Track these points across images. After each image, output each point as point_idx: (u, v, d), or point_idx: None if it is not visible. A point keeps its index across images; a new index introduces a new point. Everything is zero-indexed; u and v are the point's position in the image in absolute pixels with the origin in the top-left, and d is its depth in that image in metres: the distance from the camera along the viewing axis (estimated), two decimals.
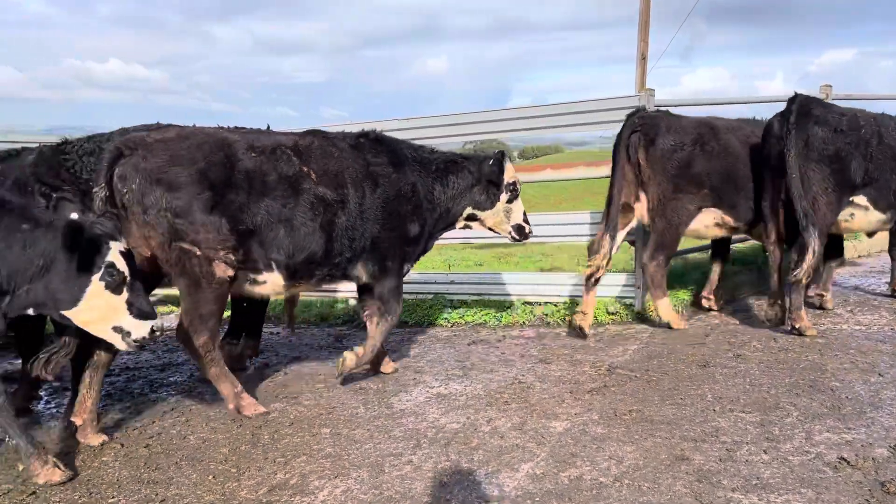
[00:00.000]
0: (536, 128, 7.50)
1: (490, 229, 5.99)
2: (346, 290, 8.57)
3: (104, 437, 4.53)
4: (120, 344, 4.02)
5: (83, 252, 3.76)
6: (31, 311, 3.87)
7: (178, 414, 5.10)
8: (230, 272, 4.70)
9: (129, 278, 3.92)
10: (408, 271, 5.76)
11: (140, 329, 3.99)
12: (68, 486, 3.94)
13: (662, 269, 6.57)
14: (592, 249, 6.60)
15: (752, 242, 9.43)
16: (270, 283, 5.02)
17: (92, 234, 3.82)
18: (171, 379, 6.09)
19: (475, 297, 8.05)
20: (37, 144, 5.56)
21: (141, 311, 3.99)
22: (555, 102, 7.96)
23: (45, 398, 5.66)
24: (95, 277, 3.80)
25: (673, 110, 7.81)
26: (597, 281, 6.61)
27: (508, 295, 7.88)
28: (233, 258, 4.66)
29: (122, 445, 4.52)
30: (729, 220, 6.68)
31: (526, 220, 5.91)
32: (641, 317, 7.20)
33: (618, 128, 7.13)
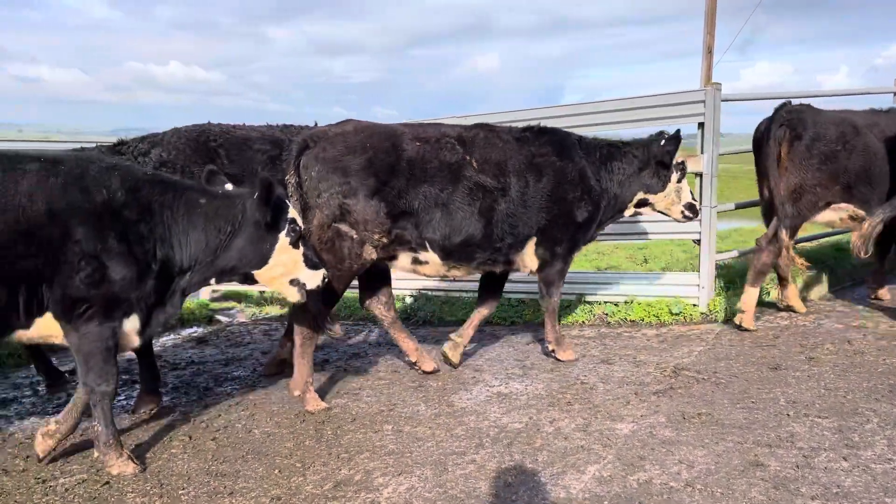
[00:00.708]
0: (597, 123, 7.34)
1: (660, 212, 6.05)
2: (403, 288, 8.62)
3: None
4: (294, 296, 4.42)
5: (273, 214, 4.11)
6: (213, 281, 4.33)
7: (242, 408, 5.18)
8: (374, 255, 5.11)
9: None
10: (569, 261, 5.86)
11: (314, 279, 4.41)
12: (140, 476, 4.04)
13: (774, 258, 6.42)
14: (766, 245, 6.41)
15: (819, 242, 9.09)
16: (431, 263, 5.35)
17: (278, 196, 4.15)
18: (234, 373, 6.20)
19: (534, 296, 7.95)
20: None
21: (313, 263, 4.41)
22: (617, 98, 7.77)
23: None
24: (282, 234, 4.20)
25: (738, 105, 7.58)
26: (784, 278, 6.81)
27: (567, 294, 7.75)
28: (384, 241, 5.07)
29: (191, 438, 4.62)
30: (861, 214, 6.49)
31: (694, 198, 5.98)
32: (706, 317, 7.00)
33: (682, 123, 6.97)
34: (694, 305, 7.13)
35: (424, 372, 5.74)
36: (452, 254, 5.26)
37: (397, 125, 5.45)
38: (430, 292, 8.63)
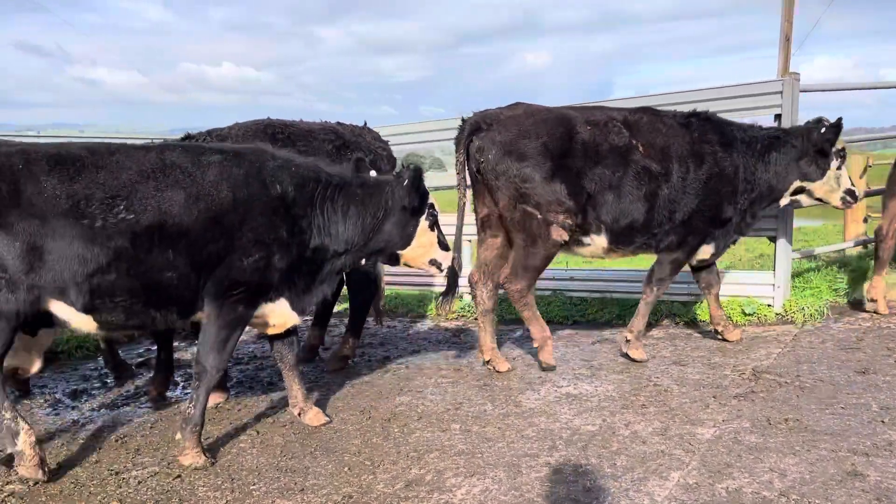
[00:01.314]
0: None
1: (818, 200, 5.90)
2: (462, 286, 8.51)
3: None
4: (435, 273, 4.81)
5: (418, 199, 4.43)
6: (362, 262, 4.63)
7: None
8: (565, 236, 5.24)
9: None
10: (715, 255, 5.85)
11: (447, 259, 4.77)
12: (210, 470, 4.02)
13: None
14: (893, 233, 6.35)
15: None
16: (594, 245, 5.47)
17: (422, 183, 4.44)
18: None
19: (596, 295, 7.75)
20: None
21: (445, 244, 4.74)
22: (691, 89, 7.49)
23: (182, 384, 5.88)
24: (422, 218, 4.52)
25: (814, 96, 7.24)
26: None
27: (632, 293, 7.51)
28: (570, 222, 5.20)
29: (258, 433, 4.59)
30: None
31: (853, 184, 5.87)
32: (782, 318, 6.69)
33: (758, 115, 6.68)
34: (768, 306, 6.83)
35: (497, 371, 5.61)
36: (618, 237, 5.38)
37: (565, 108, 5.56)
38: None
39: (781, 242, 6.75)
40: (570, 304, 7.65)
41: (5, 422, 3.81)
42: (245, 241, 3.97)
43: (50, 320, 3.86)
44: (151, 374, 5.81)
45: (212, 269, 3.94)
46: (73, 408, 5.33)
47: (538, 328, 5.59)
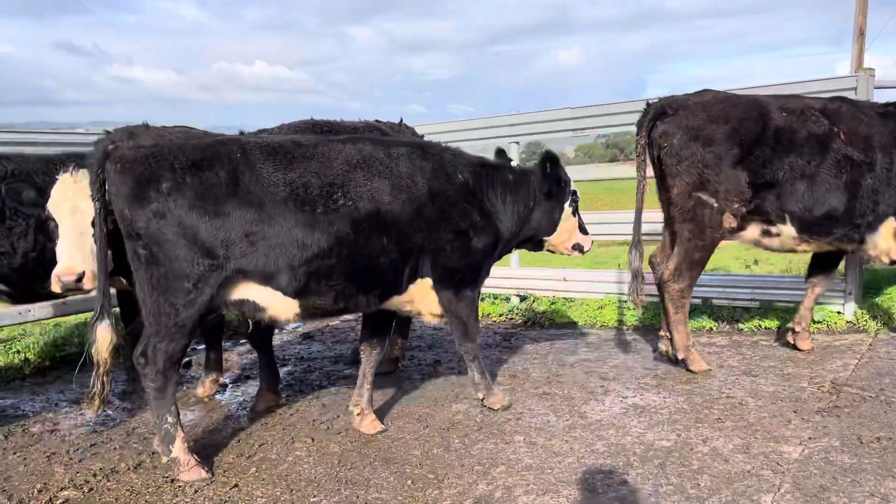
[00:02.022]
0: None
1: None
2: (506, 288, 8.30)
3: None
4: (575, 255, 5.08)
5: (563, 188, 4.81)
6: (513, 250, 5.12)
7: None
8: (734, 224, 5.14)
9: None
10: None
11: (587, 242, 5.09)
12: (267, 480, 3.87)
13: None
14: None
15: None
16: (783, 236, 5.26)
17: (564, 173, 4.77)
18: (345, 372, 6.03)
19: (653, 299, 7.45)
20: None
21: (584, 228, 5.05)
22: (758, 84, 7.16)
23: (230, 385, 5.77)
24: (566, 204, 4.84)
25: (890, 92, 6.87)
26: None
27: (694, 297, 7.20)
28: (744, 210, 5.09)
29: (313, 440, 4.44)
30: None
31: None
32: (853, 326, 6.34)
33: None
34: (839, 313, 6.48)
35: (690, 371, 5.37)
36: (811, 227, 5.16)
37: (758, 95, 5.42)
38: (539, 292, 8.27)
39: None
40: (626, 309, 7.37)
41: (166, 426, 3.85)
42: (445, 230, 4.27)
43: (238, 307, 3.92)
44: (201, 376, 5.70)
45: (414, 259, 4.20)
46: (123, 409, 5.24)
47: (684, 336, 5.40)
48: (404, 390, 5.37)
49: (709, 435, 4.15)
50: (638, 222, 5.38)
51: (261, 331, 4.99)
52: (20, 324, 6.87)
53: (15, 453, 4.42)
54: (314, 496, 3.66)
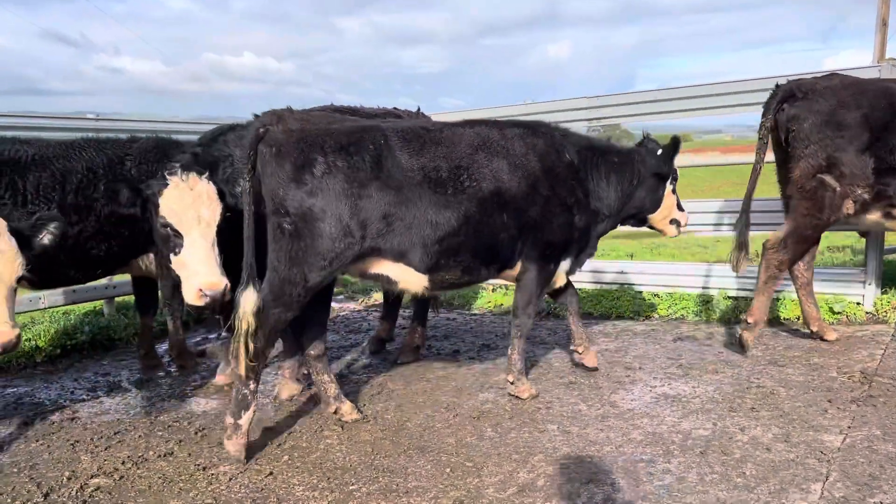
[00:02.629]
0: (746, 104, 6.73)
1: None
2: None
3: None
4: (673, 232, 5.25)
5: (668, 167, 4.99)
6: (616, 227, 5.19)
7: (386, 397, 4.91)
8: (852, 209, 5.13)
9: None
10: None
11: (684, 218, 5.25)
12: (302, 468, 3.81)
13: None
14: None
15: None
16: None
17: (669, 153, 4.95)
18: (363, 361, 5.96)
19: (668, 289, 7.44)
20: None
21: (681, 205, 5.25)
22: (778, 74, 7.02)
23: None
24: (667, 183, 5.04)
25: None
26: None
27: (708, 288, 7.20)
28: (866, 197, 5.09)
29: (343, 428, 4.37)
30: None
31: None
32: (873, 317, 6.33)
33: None
34: (857, 304, 6.47)
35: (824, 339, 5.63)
36: None
37: (887, 81, 5.41)
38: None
39: (873, 238, 6.38)
40: (641, 300, 7.34)
41: (246, 391, 3.90)
42: (554, 205, 4.45)
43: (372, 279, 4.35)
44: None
45: (529, 231, 4.41)
46: (144, 398, 5.15)
47: (763, 309, 5.44)
48: (429, 380, 5.30)
49: (745, 424, 4.12)
50: (748, 202, 5.45)
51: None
52: (30, 311, 6.76)
53: (37, 441, 4.32)
54: (352, 484, 3.60)
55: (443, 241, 4.10)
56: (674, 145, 4.95)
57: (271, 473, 3.74)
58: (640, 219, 5.19)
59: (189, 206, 4.09)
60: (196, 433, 4.37)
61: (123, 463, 3.93)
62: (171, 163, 4.34)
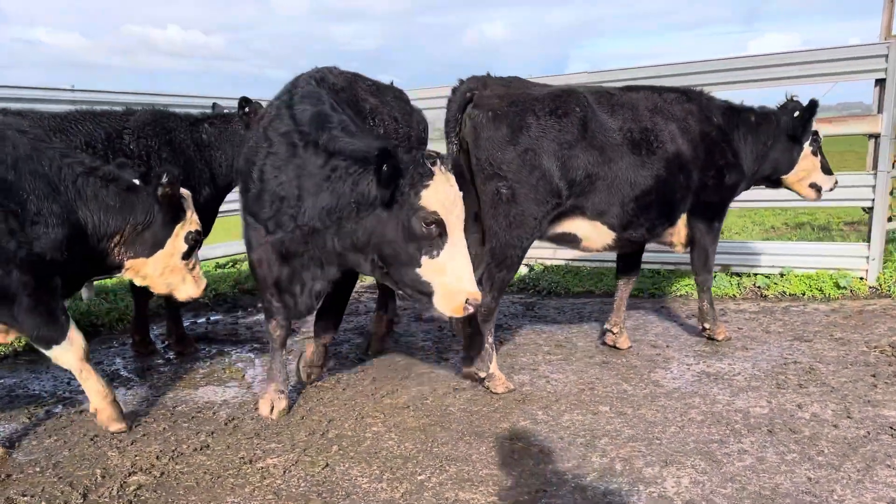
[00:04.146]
0: (764, 79, 6.71)
1: None
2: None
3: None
4: (812, 196, 5.29)
5: (804, 129, 5.01)
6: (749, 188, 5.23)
7: (416, 381, 4.69)
8: None
9: None
10: None
11: (828, 182, 5.25)
12: (357, 458, 3.57)
13: None
14: None
15: None
16: None
17: (805, 114, 4.99)
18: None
19: (669, 267, 7.42)
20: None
21: (827, 169, 5.22)
22: (785, 51, 7.06)
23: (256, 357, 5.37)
24: (805, 145, 5.08)
25: None
26: None
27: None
28: None
29: (384, 415, 4.13)
30: None
31: None
32: (876, 291, 6.44)
33: (858, 79, 6.37)
34: (861, 279, 6.58)
35: None
36: None
37: None
38: (548, 261, 8.12)
39: (878, 213, 6.48)
40: (643, 277, 7.29)
41: (486, 345, 4.34)
42: (712, 166, 4.65)
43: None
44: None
45: (695, 191, 4.63)
46: (151, 387, 4.78)
47: None
48: (450, 362, 5.10)
49: (800, 401, 4.08)
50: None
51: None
52: None
53: (51, 437, 3.94)
54: (419, 473, 3.38)
55: (638, 199, 4.34)
56: (810, 108, 4.97)
57: (327, 465, 3.49)
58: (773, 180, 5.25)
59: (453, 203, 3.36)
60: (226, 424, 4.07)
61: (158, 458, 3.61)
62: (424, 151, 3.50)
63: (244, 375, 5.00)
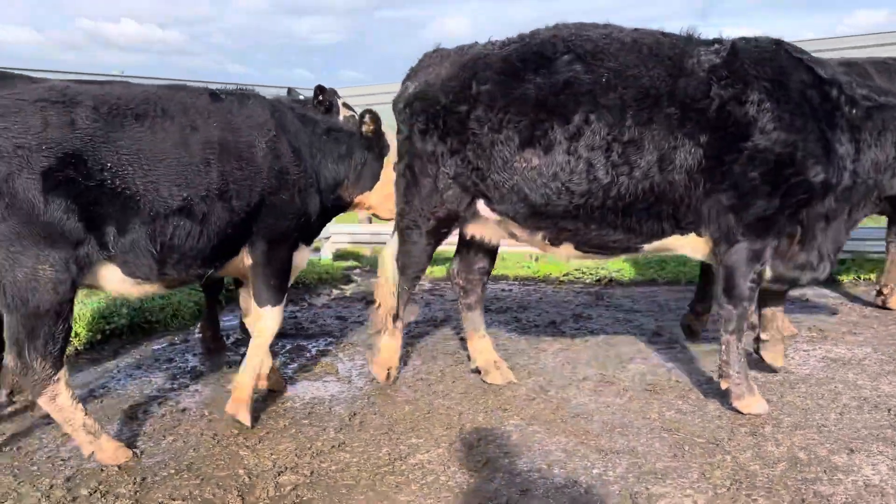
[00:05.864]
0: None
1: None
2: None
3: None
4: None
5: None
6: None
7: (525, 373, 4.46)
8: None
9: None
10: None
11: None
12: (516, 453, 3.33)
13: None
14: None
15: None
16: None
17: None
18: (433, 332, 5.46)
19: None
20: None
21: None
22: (844, 35, 6.84)
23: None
24: None
25: None
26: None
27: None
28: None
29: (512, 407, 3.90)
30: None
31: None
32: None
33: None
34: None
35: None
36: None
37: None
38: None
39: None
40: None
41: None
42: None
43: None
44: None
45: None
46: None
47: None
48: (552, 352, 4.89)
49: None
50: None
51: None
52: None
53: (166, 437, 3.63)
54: (592, 467, 3.16)
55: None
56: None
57: (487, 462, 3.25)
58: None
59: None
60: (350, 420, 3.80)
61: (298, 457, 3.34)
62: None
63: (337, 370, 4.73)
